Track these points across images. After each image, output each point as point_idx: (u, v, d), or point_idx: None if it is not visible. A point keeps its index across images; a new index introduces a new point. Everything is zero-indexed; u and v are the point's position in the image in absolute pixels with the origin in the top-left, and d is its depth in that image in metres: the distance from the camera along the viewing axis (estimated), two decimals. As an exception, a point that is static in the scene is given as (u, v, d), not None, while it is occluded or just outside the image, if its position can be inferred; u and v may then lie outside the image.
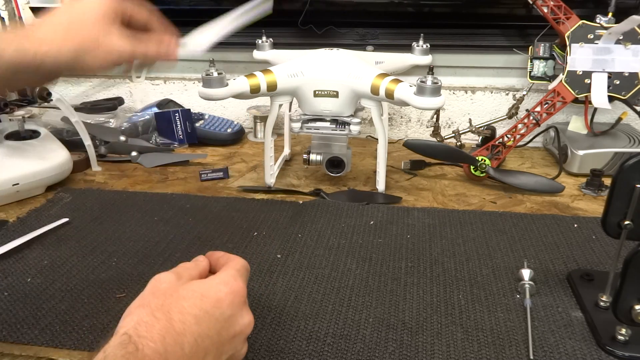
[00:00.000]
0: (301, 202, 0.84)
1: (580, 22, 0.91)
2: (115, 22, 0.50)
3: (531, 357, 0.51)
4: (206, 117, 1.14)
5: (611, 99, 0.92)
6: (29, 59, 0.47)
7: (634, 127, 1.04)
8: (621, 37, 0.90)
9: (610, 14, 0.91)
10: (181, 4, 1.29)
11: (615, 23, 0.90)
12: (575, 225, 0.76)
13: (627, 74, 0.91)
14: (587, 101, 0.94)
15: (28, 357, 0.52)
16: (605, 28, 0.90)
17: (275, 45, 1.00)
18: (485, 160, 0.90)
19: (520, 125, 0.94)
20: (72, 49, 0.48)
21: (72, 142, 0.97)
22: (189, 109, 1.10)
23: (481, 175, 0.91)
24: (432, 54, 0.98)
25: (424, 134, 1.17)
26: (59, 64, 0.48)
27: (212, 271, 0.48)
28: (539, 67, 0.99)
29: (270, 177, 0.89)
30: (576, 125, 1.02)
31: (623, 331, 0.52)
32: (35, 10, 1.25)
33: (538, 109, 0.93)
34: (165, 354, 0.35)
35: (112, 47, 0.49)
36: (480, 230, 0.75)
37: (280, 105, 0.84)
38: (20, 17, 1.18)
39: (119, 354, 0.34)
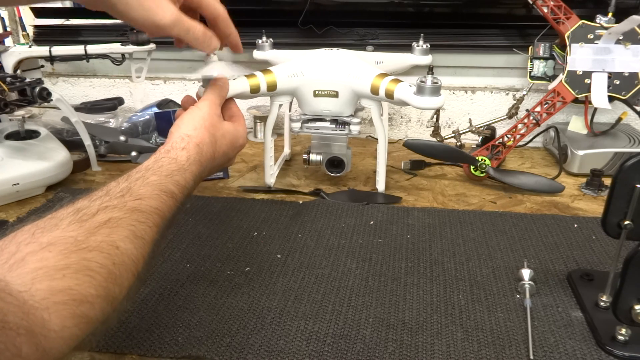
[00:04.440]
0: (301, 202, 0.84)
1: (580, 22, 0.91)
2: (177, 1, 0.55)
3: (531, 357, 0.51)
4: (206, 117, 1.13)
5: (611, 99, 0.92)
6: None
7: (634, 127, 1.04)
8: (621, 37, 0.90)
9: (610, 14, 0.91)
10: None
11: (615, 23, 0.90)
12: (575, 225, 0.76)
13: (627, 74, 0.91)
14: (587, 101, 0.94)
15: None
16: (605, 28, 0.90)
17: (275, 45, 0.99)
18: (485, 160, 0.90)
19: (520, 125, 0.94)
20: None
21: (72, 142, 0.97)
22: (189, 109, 1.09)
23: (481, 175, 0.91)
24: (432, 54, 0.98)
25: (424, 134, 1.17)
26: None
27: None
28: (539, 67, 0.99)
29: (270, 177, 0.88)
30: (576, 125, 1.02)
31: (623, 331, 0.52)
32: (35, 10, 1.26)
33: (538, 109, 0.93)
34: (200, 152, 0.55)
35: (162, 3, 0.51)
36: (480, 230, 0.75)
37: (280, 105, 0.84)
38: (20, 17, 1.18)
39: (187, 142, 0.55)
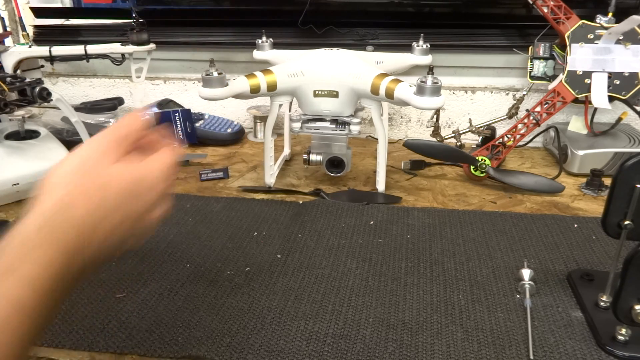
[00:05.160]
0: (301, 202, 0.84)
1: (580, 22, 0.91)
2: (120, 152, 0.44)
3: (531, 357, 0.51)
4: (206, 117, 1.14)
5: (611, 99, 0.92)
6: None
7: (634, 127, 1.04)
8: (621, 37, 0.90)
9: (610, 14, 0.91)
10: (181, 4, 1.29)
11: (615, 23, 0.90)
12: (575, 225, 0.76)
13: (627, 74, 0.91)
14: (587, 101, 0.94)
15: (28, 357, 0.52)
16: (605, 28, 0.90)
17: (275, 45, 0.99)
18: (485, 160, 0.90)
19: (520, 125, 0.94)
20: None
21: (72, 142, 0.97)
22: (189, 109, 1.09)
23: (481, 175, 0.91)
24: (432, 54, 0.98)
25: (424, 134, 1.17)
26: None
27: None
28: (539, 67, 0.99)
29: (270, 177, 0.89)
30: (576, 125, 1.02)
31: (623, 331, 0.52)
32: (35, 10, 1.25)
33: (538, 109, 0.93)
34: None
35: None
36: (480, 230, 0.75)
37: (280, 105, 0.84)
38: (20, 17, 1.18)
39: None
